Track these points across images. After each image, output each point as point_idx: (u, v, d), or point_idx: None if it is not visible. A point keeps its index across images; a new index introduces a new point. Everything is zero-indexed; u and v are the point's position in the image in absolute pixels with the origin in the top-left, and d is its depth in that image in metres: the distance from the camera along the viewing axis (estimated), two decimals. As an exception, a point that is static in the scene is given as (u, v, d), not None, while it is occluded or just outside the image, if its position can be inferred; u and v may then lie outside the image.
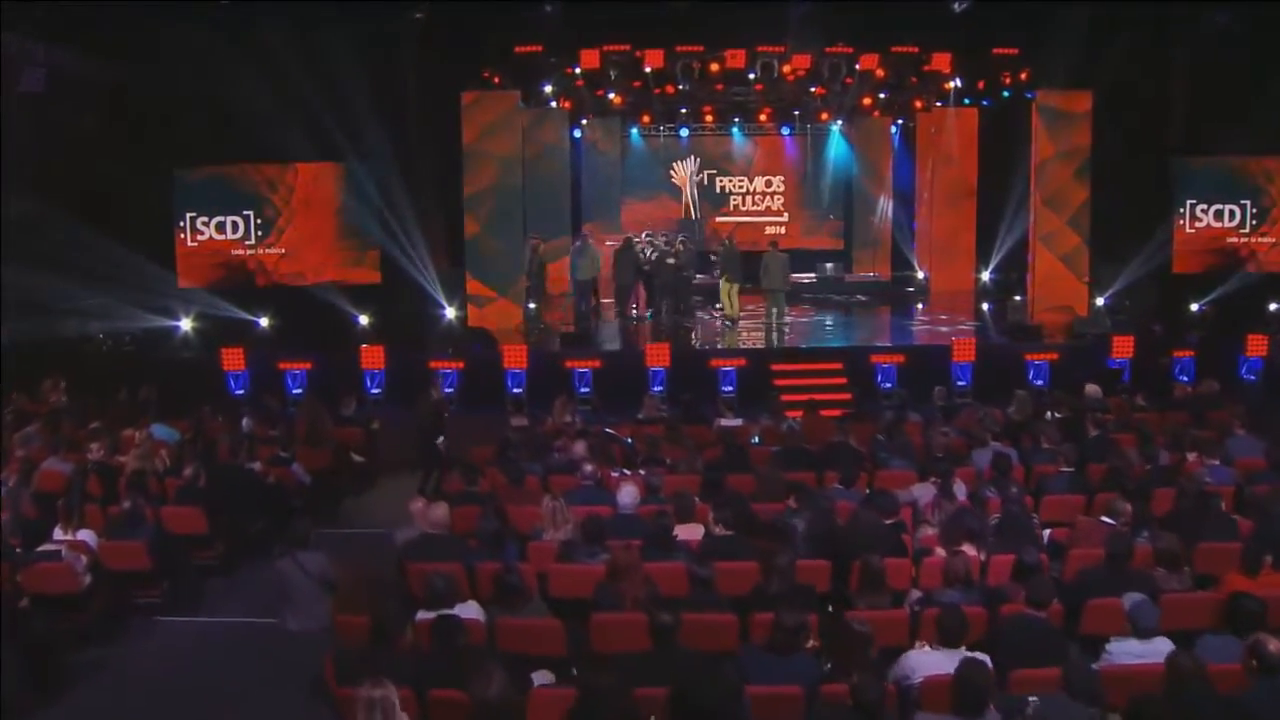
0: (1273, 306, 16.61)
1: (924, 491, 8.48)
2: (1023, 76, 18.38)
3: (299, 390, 14.90)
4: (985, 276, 20.97)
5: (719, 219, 23.77)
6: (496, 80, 17.46)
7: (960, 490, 8.40)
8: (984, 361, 15.20)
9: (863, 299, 21.28)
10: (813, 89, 20.24)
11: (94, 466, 9.14)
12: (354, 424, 11.55)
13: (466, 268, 16.89)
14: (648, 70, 18.43)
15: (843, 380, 14.94)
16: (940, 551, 7.03)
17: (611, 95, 19.98)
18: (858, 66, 18.29)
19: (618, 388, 14.76)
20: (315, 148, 15.61)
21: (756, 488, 8.58)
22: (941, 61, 18.30)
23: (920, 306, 20.99)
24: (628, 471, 9.15)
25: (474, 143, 16.66)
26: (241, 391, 14.74)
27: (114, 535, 7.88)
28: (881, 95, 20.96)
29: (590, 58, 17.95)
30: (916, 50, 18.17)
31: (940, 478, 8.49)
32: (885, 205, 23.48)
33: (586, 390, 15.10)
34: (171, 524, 8.37)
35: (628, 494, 7.83)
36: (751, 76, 18.92)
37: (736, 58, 18.22)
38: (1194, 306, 16.74)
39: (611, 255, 19.01)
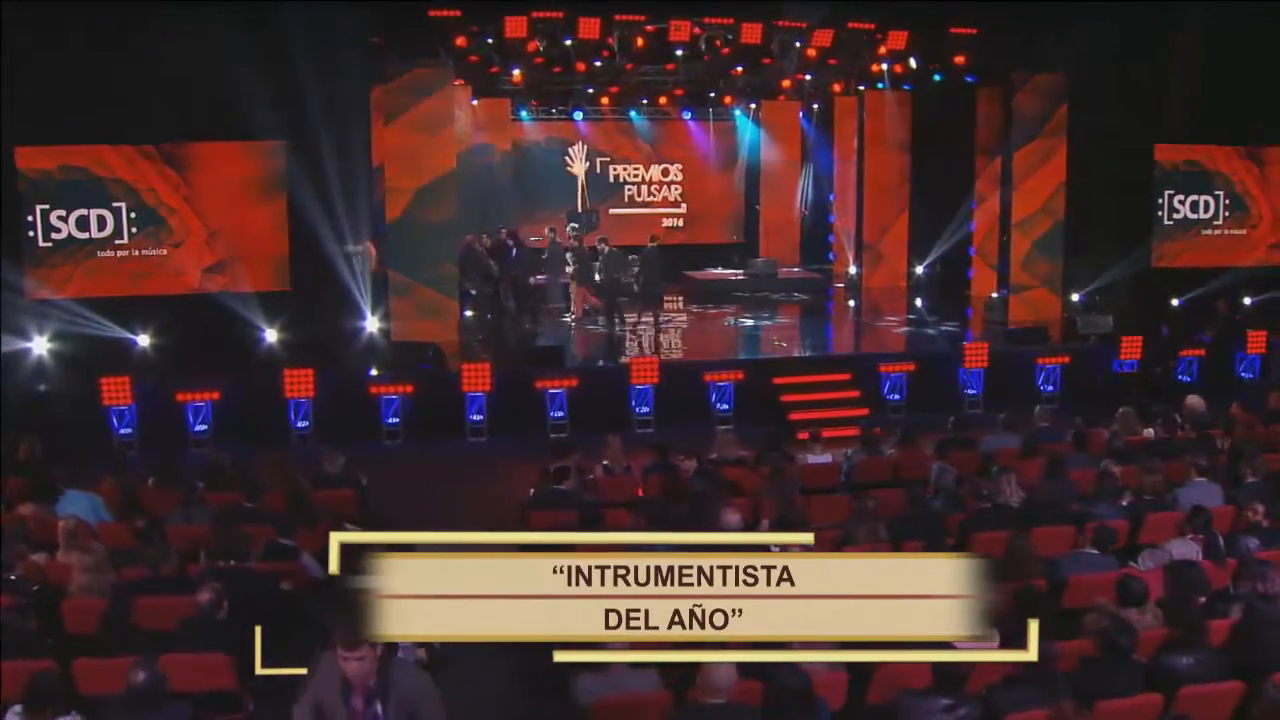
0: (1247, 301, 16.09)
1: (1185, 551, 6.72)
2: (958, 60, 17.18)
3: (203, 427, 11.68)
4: (920, 270, 19.74)
5: (612, 210, 21.65)
6: (380, 43, 14.55)
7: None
8: (991, 367, 13.92)
9: (802, 297, 19.66)
10: (738, 68, 18.43)
11: (31, 592, 5.90)
12: (342, 485, 8.55)
13: (389, 264, 14.04)
14: (568, 43, 16.14)
15: (855, 393, 13.25)
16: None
17: (515, 71, 17.40)
18: (799, 44, 16.72)
19: (599, 411, 12.51)
20: (202, 123, 12.32)
21: (1003, 562, 6.45)
22: (898, 39, 16.94)
23: (852, 304, 19.63)
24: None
25: (394, 119, 14.27)
26: (128, 431, 11.36)
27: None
28: (806, 77, 19.34)
29: (516, 25, 15.48)
30: (873, 27, 16.79)
31: (1197, 532, 6.79)
32: (801, 195, 22.01)
33: (560, 415, 12.74)
34: (181, 680, 5.36)
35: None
36: (680, 53, 16.95)
37: (681, 29, 16.26)
38: (1174, 301, 15.99)
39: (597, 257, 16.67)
